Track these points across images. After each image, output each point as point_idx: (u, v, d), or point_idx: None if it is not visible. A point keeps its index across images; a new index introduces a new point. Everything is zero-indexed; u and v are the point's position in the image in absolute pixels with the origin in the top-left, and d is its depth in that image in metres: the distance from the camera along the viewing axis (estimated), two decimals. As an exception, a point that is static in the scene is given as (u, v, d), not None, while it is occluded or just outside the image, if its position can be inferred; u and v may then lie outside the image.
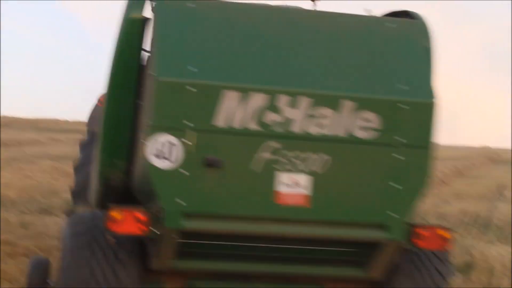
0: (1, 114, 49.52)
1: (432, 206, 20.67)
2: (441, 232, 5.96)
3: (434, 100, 5.64)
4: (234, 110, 5.34)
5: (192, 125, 5.29)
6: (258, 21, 5.70)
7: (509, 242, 15.05)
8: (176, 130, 5.26)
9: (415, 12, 6.16)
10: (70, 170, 21.75)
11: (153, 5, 5.72)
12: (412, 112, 5.59)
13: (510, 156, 64.55)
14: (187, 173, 5.31)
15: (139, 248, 5.82)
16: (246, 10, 5.77)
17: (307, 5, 7.05)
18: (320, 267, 5.97)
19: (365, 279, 6.07)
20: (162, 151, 5.27)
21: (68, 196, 14.76)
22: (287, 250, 5.79)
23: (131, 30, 5.82)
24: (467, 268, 11.68)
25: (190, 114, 5.27)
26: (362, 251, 5.86)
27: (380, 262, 5.88)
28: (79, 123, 58.88)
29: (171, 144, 5.27)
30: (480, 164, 48.47)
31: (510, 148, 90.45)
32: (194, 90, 5.25)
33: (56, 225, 11.39)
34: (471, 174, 38.38)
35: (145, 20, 5.83)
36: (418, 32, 5.93)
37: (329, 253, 5.86)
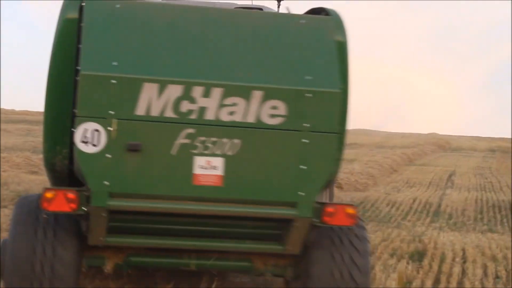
0: None
1: (383, 194, 20.86)
2: (348, 209, 6.38)
3: (338, 89, 6.15)
4: (153, 100, 5.89)
5: (114, 114, 5.86)
6: (178, 19, 6.28)
7: (459, 229, 15.25)
8: (100, 118, 5.85)
9: (330, 9, 6.75)
10: (19, 160, 21.60)
11: (83, 6, 6.21)
12: (317, 100, 6.08)
13: (459, 144, 65.48)
14: (110, 157, 5.88)
15: (78, 226, 6.44)
16: (167, 9, 6.38)
17: (273, 5, 7.87)
18: (242, 243, 6.53)
19: (283, 253, 6.64)
20: (88, 137, 5.87)
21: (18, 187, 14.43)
22: (209, 226, 6.38)
23: (67, 29, 6.29)
24: (418, 255, 11.79)
25: (112, 104, 5.86)
26: (278, 228, 6.42)
27: (295, 237, 6.40)
28: (27, 112, 58.13)
29: (97, 131, 5.86)
30: (430, 151, 49.01)
31: (457, 134, 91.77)
32: (116, 82, 5.83)
33: (6, 217, 11.19)
34: (421, 162, 38.80)
35: (80, 20, 6.28)
36: (328, 27, 6.46)
37: (248, 230, 6.44)
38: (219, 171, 6.07)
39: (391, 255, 11.65)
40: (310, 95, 6.09)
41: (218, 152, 6.03)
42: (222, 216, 6.27)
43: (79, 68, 5.98)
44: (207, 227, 6.40)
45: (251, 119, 6.05)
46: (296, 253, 6.64)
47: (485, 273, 10.77)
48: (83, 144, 5.89)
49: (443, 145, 59.19)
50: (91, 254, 6.70)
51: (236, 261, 6.95)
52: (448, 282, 10.15)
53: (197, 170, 6.04)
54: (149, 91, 5.88)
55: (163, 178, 6.04)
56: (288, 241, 6.46)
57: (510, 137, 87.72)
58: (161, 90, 5.89)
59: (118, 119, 5.90)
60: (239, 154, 6.06)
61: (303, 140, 6.12)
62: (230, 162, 6.05)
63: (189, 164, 6.02)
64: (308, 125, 6.12)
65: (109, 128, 5.89)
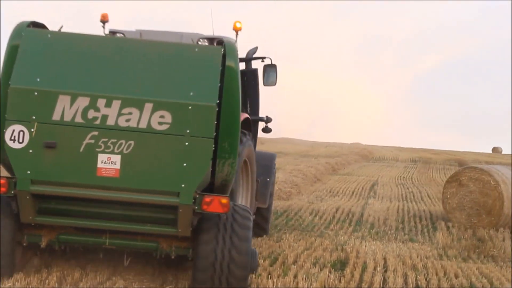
0: None
1: (307, 203, 20.94)
2: (222, 199, 8.17)
3: (214, 103, 7.95)
4: (66, 108, 7.83)
5: (35, 118, 7.82)
6: (92, 47, 8.21)
7: (380, 238, 15.39)
8: (25, 122, 7.80)
9: (226, 40, 8.51)
10: None
11: (22, 34, 8.12)
12: (197, 111, 7.90)
13: (381, 154, 66.40)
14: (32, 152, 7.82)
15: (11, 208, 8.20)
16: (86, 39, 8.29)
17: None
18: (143, 226, 8.27)
19: (177, 235, 8.33)
20: (15, 136, 7.80)
21: None
22: (115, 210, 8.22)
23: (12, 54, 8.07)
24: (341, 264, 11.84)
25: (34, 110, 7.82)
26: (169, 214, 8.16)
27: (183, 222, 8.12)
28: None
29: (22, 131, 7.81)
30: (353, 161, 49.55)
31: (380, 144, 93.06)
32: (37, 94, 7.82)
33: None
34: (344, 171, 39.17)
35: None
36: (216, 55, 8.22)
37: (147, 214, 8.23)
38: (117, 166, 7.91)
39: (314, 264, 11.67)
40: (191, 107, 7.91)
41: (116, 150, 7.90)
42: (122, 202, 8.11)
43: (10, 82, 7.87)
44: (113, 210, 8.23)
45: (143, 125, 7.91)
46: (187, 235, 8.35)
47: (406, 282, 10.86)
48: (11, 142, 7.83)
49: (366, 155, 59.96)
50: (30, 232, 8.56)
51: (145, 242, 8.61)
52: (369, 291, 10.20)
53: (100, 164, 7.92)
54: (63, 101, 7.85)
55: (73, 169, 7.92)
56: (179, 225, 8.18)
57: (431, 147, 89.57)
58: (72, 101, 7.87)
59: (38, 122, 7.86)
60: (133, 153, 7.91)
61: (185, 143, 7.93)
62: (125, 158, 7.90)
63: (94, 159, 7.88)
64: (189, 131, 7.93)
65: (31, 129, 7.86)
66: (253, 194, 11.37)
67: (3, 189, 7.96)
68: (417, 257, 13.07)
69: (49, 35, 8.24)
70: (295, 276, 10.51)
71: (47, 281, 8.72)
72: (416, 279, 11.11)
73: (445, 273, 11.71)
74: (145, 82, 8.06)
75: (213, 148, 8.11)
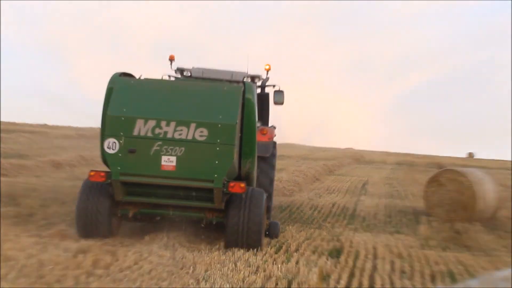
0: None
1: (307, 199, 20.88)
2: (241, 184, 11.10)
3: (234, 123, 10.91)
4: (141, 127, 10.93)
5: (122, 134, 10.96)
6: (158, 87, 11.44)
7: (371, 230, 15.32)
8: (116, 136, 10.96)
9: (246, 81, 12.19)
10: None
11: (115, 81, 11.29)
12: (223, 128, 10.89)
13: (371, 157, 66.23)
14: (121, 155, 10.96)
15: (109, 191, 11.37)
16: (157, 83, 11.69)
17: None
18: (194, 201, 11.18)
19: (215, 207, 11.24)
20: (110, 145, 10.98)
21: None
22: (175, 192, 11.12)
23: (109, 93, 11.21)
24: (336, 252, 11.77)
25: (122, 129, 10.94)
26: (209, 193, 11.01)
27: (217, 199, 11.02)
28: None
29: (114, 142, 10.97)
30: (347, 163, 49.42)
31: (370, 149, 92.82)
32: (124, 118, 10.95)
33: None
34: (340, 172, 39.06)
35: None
36: (238, 91, 11.27)
37: (195, 194, 11.09)
38: (174, 163, 10.93)
39: (313, 252, 11.61)
40: (220, 125, 10.91)
41: (173, 153, 10.94)
42: (178, 187, 11.01)
43: (107, 112, 11.08)
44: (173, 191, 11.12)
45: (189, 137, 10.93)
46: (221, 208, 11.26)
47: (393, 269, 10.79)
48: (108, 149, 11.00)
49: (358, 158, 59.78)
50: (122, 207, 11.60)
51: (196, 213, 11.49)
52: (361, 275, 10.14)
53: (163, 162, 10.94)
54: (139, 123, 10.97)
55: (146, 166, 10.95)
56: (215, 201, 11.06)
57: (414, 152, 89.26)
58: (145, 123, 10.96)
59: (124, 137, 10.98)
60: (184, 155, 10.93)
61: (217, 148, 10.88)
62: (179, 158, 10.92)
63: (159, 159, 10.94)
64: (219, 140, 10.90)
65: (120, 141, 10.99)
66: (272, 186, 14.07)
67: (103, 179, 11.22)
68: (403, 246, 13.01)
69: (132, 81, 11.44)
70: (297, 262, 10.45)
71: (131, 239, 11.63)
72: (401, 266, 11.04)
73: (427, 261, 11.64)
74: (191, 109, 11.10)
75: (238, 151, 11.22)
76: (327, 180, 31.12)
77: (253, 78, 14.14)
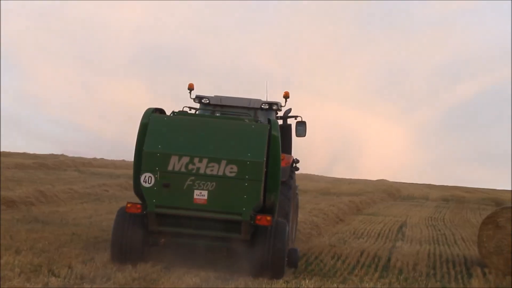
0: None
1: (328, 246, 20.84)
2: (268, 217, 14.60)
3: (261, 160, 14.46)
4: (175, 163, 14.40)
5: (158, 169, 14.42)
6: (193, 123, 14.92)
7: (410, 285, 15.25)
8: (152, 171, 14.44)
9: (272, 119, 15.11)
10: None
11: (149, 117, 14.78)
12: (252, 165, 14.39)
13: (410, 192, 66.23)
14: (156, 189, 14.44)
15: (144, 222, 14.90)
16: (189, 119, 15.09)
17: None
18: (222, 232, 14.71)
19: (242, 238, 14.70)
20: (146, 179, 14.42)
21: None
22: (206, 223, 14.65)
23: (143, 129, 14.71)
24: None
25: (157, 164, 14.43)
26: (236, 225, 14.56)
27: (244, 230, 14.56)
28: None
29: (150, 177, 14.43)
30: (379, 199, 49.36)
31: (408, 181, 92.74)
32: (159, 155, 14.46)
33: None
34: (370, 211, 39.00)
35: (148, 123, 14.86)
36: (265, 129, 14.78)
37: (224, 226, 14.62)
38: (205, 197, 14.43)
39: (336, 314, 11.56)
40: (248, 162, 14.43)
41: (205, 188, 14.42)
42: (209, 218, 14.55)
43: (144, 148, 14.62)
44: (203, 223, 14.65)
45: (220, 173, 14.42)
46: (247, 239, 14.76)
47: (438, 335, 10.74)
48: (144, 182, 14.44)
49: (393, 193, 59.73)
50: (154, 236, 15.09)
51: (223, 243, 14.92)
52: None
53: (195, 196, 14.44)
54: (174, 159, 14.43)
55: (180, 199, 14.48)
56: (242, 232, 14.63)
57: (465, 185, 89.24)
58: (179, 159, 14.42)
59: (160, 171, 14.42)
60: (215, 189, 14.43)
61: (245, 184, 14.42)
62: (210, 193, 14.43)
63: (192, 193, 14.43)
64: (247, 177, 14.42)
65: (156, 175, 14.44)
66: (295, 211, 19.06)
67: (139, 210, 14.73)
68: (451, 307, 12.95)
69: (165, 118, 14.96)
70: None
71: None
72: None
73: (482, 325, 11.58)
74: (221, 146, 14.58)
75: (263, 186, 14.65)
76: (354, 221, 31.05)
77: (270, 105, 17.47)
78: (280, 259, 14.72)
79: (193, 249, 15.11)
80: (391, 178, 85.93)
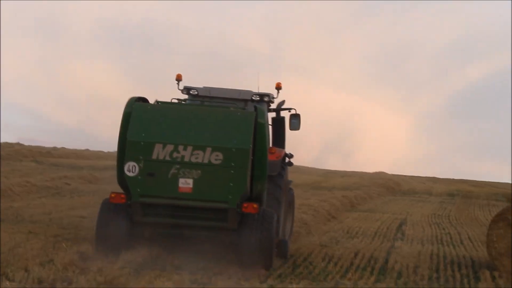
0: None
1: (318, 246, 20.89)
2: (254, 205, 15.90)
3: (247, 147, 15.78)
4: (160, 151, 15.78)
5: (142, 158, 15.79)
6: (176, 112, 16.44)
7: (410, 291, 15.33)
8: (136, 160, 15.78)
9: (258, 106, 16.43)
10: None
11: (133, 106, 16.06)
12: (237, 152, 15.74)
13: (411, 186, 66.46)
14: (140, 178, 15.83)
15: (127, 213, 16.22)
16: (169, 108, 16.62)
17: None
18: (209, 222, 16.00)
19: (229, 227, 16.02)
20: (130, 168, 15.78)
21: None
22: (191, 212, 15.96)
23: (126, 117, 16.00)
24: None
25: (141, 153, 15.81)
26: (222, 214, 15.87)
27: (231, 219, 15.87)
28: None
29: (134, 166, 15.78)
30: (376, 194, 49.48)
31: (409, 174, 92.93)
32: (143, 143, 15.84)
33: None
34: (366, 207, 39.12)
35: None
36: (251, 116, 16.06)
37: (210, 215, 15.92)
38: (190, 185, 15.70)
39: (327, 322, 11.61)
40: (234, 149, 15.72)
41: (190, 176, 15.69)
42: (194, 207, 15.86)
43: (127, 136, 15.90)
44: (189, 213, 15.92)
45: (205, 161, 15.72)
46: (235, 227, 16.06)
47: None
48: (128, 172, 15.69)
49: (392, 187, 59.91)
50: (139, 228, 16.26)
51: (210, 233, 16.24)
52: None
53: (180, 184, 15.71)
54: (158, 147, 15.72)
55: (165, 188, 15.76)
56: (228, 220, 15.93)
57: (473, 178, 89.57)
58: (163, 147, 15.70)
59: (144, 160, 15.71)
60: (200, 177, 15.71)
61: (231, 171, 15.71)
62: (196, 181, 15.71)
63: (177, 182, 15.72)
64: (233, 164, 15.70)
65: (140, 165, 15.71)
66: (287, 205, 19.88)
67: (123, 200, 16.04)
68: (456, 314, 13.03)
69: (148, 107, 16.30)
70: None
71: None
72: None
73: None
74: (206, 134, 15.90)
75: (250, 174, 16.00)
76: (348, 219, 31.13)
77: (262, 96, 18.69)
78: (268, 248, 15.98)
79: (179, 240, 16.46)
80: (390, 171, 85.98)
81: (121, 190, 16.15)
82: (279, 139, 19.66)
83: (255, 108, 16.41)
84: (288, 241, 19.24)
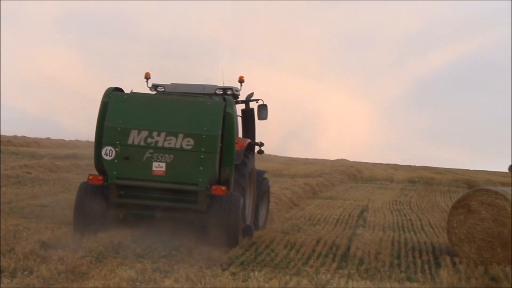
0: None
1: (280, 234, 20.91)
2: (222, 187, 17.56)
3: (216, 134, 17.41)
4: (135, 137, 17.38)
5: (118, 143, 17.36)
6: (151, 101, 17.90)
7: (371, 277, 15.38)
8: (112, 145, 17.40)
9: (227, 97, 18.42)
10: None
11: (110, 95, 17.75)
12: (207, 138, 17.36)
13: (372, 173, 66.69)
14: (116, 161, 17.39)
15: (105, 194, 17.84)
16: (144, 97, 18.08)
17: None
18: (180, 203, 17.68)
19: (199, 209, 17.64)
20: (107, 152, 17.36)
21: None
22: (164, 194, 17.51)
23: (104, 106, 17.65)
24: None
25: (118, 138, 17.39)
26: (193, 196, 17.55)
27: (200, 200, 17.52)
28: None
29: (111, 150, 17.36)
30: (338, 182, 49.65)
31: (371, 161, 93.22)
32: (119, 129, 17.41)
33: None
34: (327, 195, 39.22)
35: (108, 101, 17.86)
36: (220, 106, 17.73)
37: (181, 196, 17.59)
38: (163, 168, 17.26)
39: (289, 309, 11.64)
40: (204, 136, 17.31)
41: (163, 160, 17.26)
42: (167, 189, 17.35)
43: (104, 123, 17.52)
44: (161, 195, 17.36)
45: (178, 146, 17.29)
46: (204, 209, 17.54)
47: (402, 332, 10.86)
48: (106, 156, 17.31)
49: (354, 174, 60.15)
50: (114, 208, 17.75)
51: (181, 214, 17.84)
52: None
53: (154, 168, 17.27)
54: (133, 133, 17.34)
55: (139, 171, 17.31)
56: (198, 202, 17.46)
57: (434, 165, 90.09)
58: (138, 133, 17.35)
59: (120, 145, 17.30)
60: (172, 161, 17.29)
61: (201, 156, 17.30)
62: (168, 164, 17.28)
63: (150, 165, 17.30)
64: (203, 149, 17.29)
65: (116, 149, 17.32)
66: (254, 191, 21.19)
67: (100, 182, 17.51)
68: (417, 300, 13.09)
69: (124, 96, 17.87)
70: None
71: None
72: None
73: (450, 320, 11.74)
74: (179, 121, 17.52)
75: (219, 159, 17.55)
76: (310, 206, 31.19)
77: (225, 90, 20.07)
78: (234, 227, 17.55)
79: (151, 221, 17.92)
80: (351, 158, 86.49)
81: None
82: (249, 130, 21.11)
83: (224, 98, 18.13)
84: (263, 226, 21.78)
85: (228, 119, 17.75)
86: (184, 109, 17.73)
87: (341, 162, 74.01)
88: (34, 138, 71.83)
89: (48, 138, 71.92)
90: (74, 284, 12.88)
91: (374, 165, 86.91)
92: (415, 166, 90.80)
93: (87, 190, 17.75)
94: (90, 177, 17.63)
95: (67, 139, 72.11)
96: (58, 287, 12.74)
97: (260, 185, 21.80)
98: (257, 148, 21.46)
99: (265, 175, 22.54)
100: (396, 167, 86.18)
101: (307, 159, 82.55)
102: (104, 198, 17.69)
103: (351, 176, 57.80)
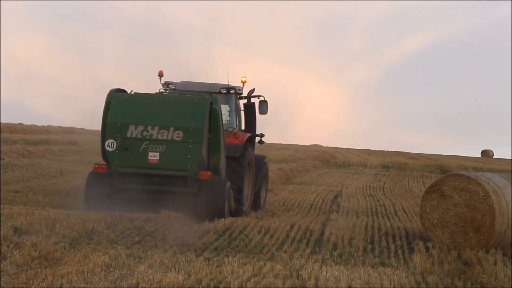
0: None
1: (254, 219, 20.94)
2: (208, 173, 20.78)
3: (202, 126, 20.74)
4: (133, 131, 20.83)
5: (119, 136, 20.79)
6: (145, 100, 21.51)
7: (345, 262, 15.44)
8: (114, 138, 20.83)
9: (214, 95, 21.50)
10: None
11: (112, 95, 21.17)
12: (194, 130, 20.75)
13: (346, 158, 66.85)
14: (117, 152, 20.86)
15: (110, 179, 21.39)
16: (142, 96, 21.62)
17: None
18: (173, 187, 20.98)
19: (189, 191, 20.93)
20: (109, 144, 20.75)
21: None
22: (159, 179, 21.08)
23: (107, 105, 20.93)
24: (296, 294, 11.86)
25: (118, 132, 20.85)
26: (183, 180, 20.98)
27: (191, 184, 20.90)
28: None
29: (113, 142, 20.73)
30: (312, 167, 49.73)
31: (345, 147, 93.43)
32: (120, 124, 20.87)
33: None
34: (301, 180, 39.28)
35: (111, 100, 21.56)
36: (207, 102, 20.98)
37: (174, 181, 21.05)
38: (157, 157, 20.64)
39: (263, 294, 11.66)
40: (192, 128, 20.68)
41: (157, 150, 20.66)
42: (161, 175, 20.83)
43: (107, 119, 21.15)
44: (157, 179, 20.93)
45: (169, 138, 20.66)
46: (194, 192, 20.79)
47: (376, 316, 10.92)
48: (108, 147, 20.73)
49: (328, 159, 60.28)
50: (118, 192, 20.87)
51: (174, 197, 20.65)
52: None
53: (149, 157, 20.66)
54: (131, 128, 20.78)
55: (137, 160, 20.78)
56: (188, 185, 20.82)
57: (407, 150, 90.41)
58: (136, 127, 20.76)
59: (120, 138, 20.72)
60: (165, 151, 20.67)
61: (189, 146, 20.65)
62: (161, 154, 20.65)
63: (146, 155, 20.68)
64: (191, 140, 20.66)
65: (117, 141, 20.72)
66: (253, 181, 23.72)
67: (104, 170, 20.61)
68: (390, 284, 13.17)
69: (125, 96, 20.97)
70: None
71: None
72: (388, 312, 11.18)
73: (423, 305, 11.80)
74: (170, 117, 20.58)
75: (207, 149, 20.54)
76: (283, 192, 31.25)
77: (228, 89, 23.28)
78: (221, 202, 20.69)
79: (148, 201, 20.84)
80: (325, 143, 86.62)
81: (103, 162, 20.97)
82: (251, 122, 24.18)
83: (211, 95, 21.31)
84: (263, 206, 24.82)
85: (214, 114, 20.70)
86: (175, 106, 20.99)
87: (315, 148, 74.17)
88: (6, 123, 71.43)
89: (21, 124, 71.43)
90: (47, 270, 12.86)
91: (348, 150, 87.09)
92: (388, 151, 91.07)
93: (94, 177, 20.95)
94: (96, 166, 20.95)
95: (39, 124, 71.78)
96: (31, 273, 12.71)
97: (262, 169, 24.60)
98: (257, 139, 24.31)
99: None
100: (369, 152, 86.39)
101: (280, 144, 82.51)
102: (108, 184, 20.71)
103: (325, 161, 57.93)
